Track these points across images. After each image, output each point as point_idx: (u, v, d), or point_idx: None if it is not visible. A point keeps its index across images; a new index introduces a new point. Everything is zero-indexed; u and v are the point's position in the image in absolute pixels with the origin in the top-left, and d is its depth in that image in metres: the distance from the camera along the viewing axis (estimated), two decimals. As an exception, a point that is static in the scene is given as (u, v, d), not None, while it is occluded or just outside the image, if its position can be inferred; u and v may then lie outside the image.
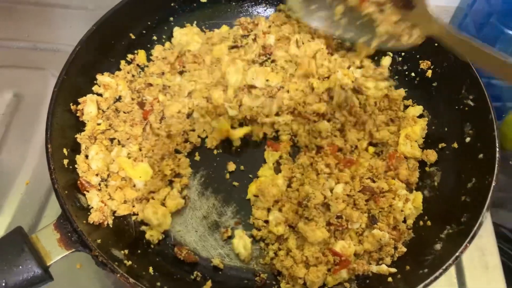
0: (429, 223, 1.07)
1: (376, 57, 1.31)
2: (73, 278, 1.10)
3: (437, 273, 0.90)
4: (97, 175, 1.09)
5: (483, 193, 0.98)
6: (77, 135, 1.11)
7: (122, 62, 1.26)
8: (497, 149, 1.01)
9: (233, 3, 1.41)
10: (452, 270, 1.15)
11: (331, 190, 1.07)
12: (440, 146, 1.16)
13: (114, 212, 1.07)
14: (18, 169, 1.26)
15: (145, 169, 1.12)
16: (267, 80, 1.24)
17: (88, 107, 1.14)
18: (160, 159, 1.14)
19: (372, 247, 1.02)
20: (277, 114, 1.22)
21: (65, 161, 1.04)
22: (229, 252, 1.08)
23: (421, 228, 1.07)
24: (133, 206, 1.09)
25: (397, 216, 1.06)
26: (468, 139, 1.11)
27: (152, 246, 1.07)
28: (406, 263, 1.00)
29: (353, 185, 1.08)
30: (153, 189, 1.11)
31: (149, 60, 1.30)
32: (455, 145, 1.13)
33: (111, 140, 1.15)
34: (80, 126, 1.13)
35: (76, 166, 1.07)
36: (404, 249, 1.04)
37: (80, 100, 1.14)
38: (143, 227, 1.08)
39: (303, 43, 1.29)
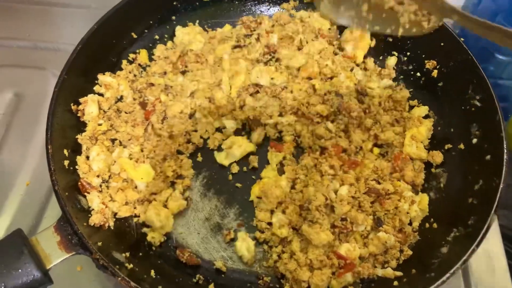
0: (435, 225, 1.06)
1: (381, 57, 1.30)
2: (73, 281, 1.09)
3: (444, 277, 0.89)
4: (98, 176, 1.08)
5: (490, 195, 0.97)
6: (78, 136, 1.10)
7: (124, 61, 1.25)
8: (505, 150, 1.00)
9: (236, 2, 1.40)
10: (458, 272, 1.13)
11: (336, 192, 1.06)
12: (446, 147, 1.15)
13: (115, 214, 1.05)
14: (19, 169, 1.25)
15: (146, 170, 1.11)
16: (272, 79, 1.23)
17: (89, 107, 1.13)
18: (162, 160, 1.13)
19: (377, 250, 1.01)
20: (280, 115, 1.21)
21: (66, 162, 1.03)
22: (232, 254, 1.07)
23: (427, 231, 1.06)
24: (135, 208, 1.08)
25: (402, 219, 1.04)
26: (475, 140, 1.10)
27: (153, 248, 1.06)
28: (412, 266, 0.99)
29: (358, 186, 1.07)
30: (154, 190, 1.10)
31: (151, 59, 1.29)
32: (462, 146, 1.12)
33: (113, 140, 1.14)
34: (81, 126, 1.12)
35: (76, 167, 1.06)
36: (410, 252, 1.02)
37: (81, 100, 1.13)
38: (145, 229, 1.07)
39: (307, 42, 1.28)
